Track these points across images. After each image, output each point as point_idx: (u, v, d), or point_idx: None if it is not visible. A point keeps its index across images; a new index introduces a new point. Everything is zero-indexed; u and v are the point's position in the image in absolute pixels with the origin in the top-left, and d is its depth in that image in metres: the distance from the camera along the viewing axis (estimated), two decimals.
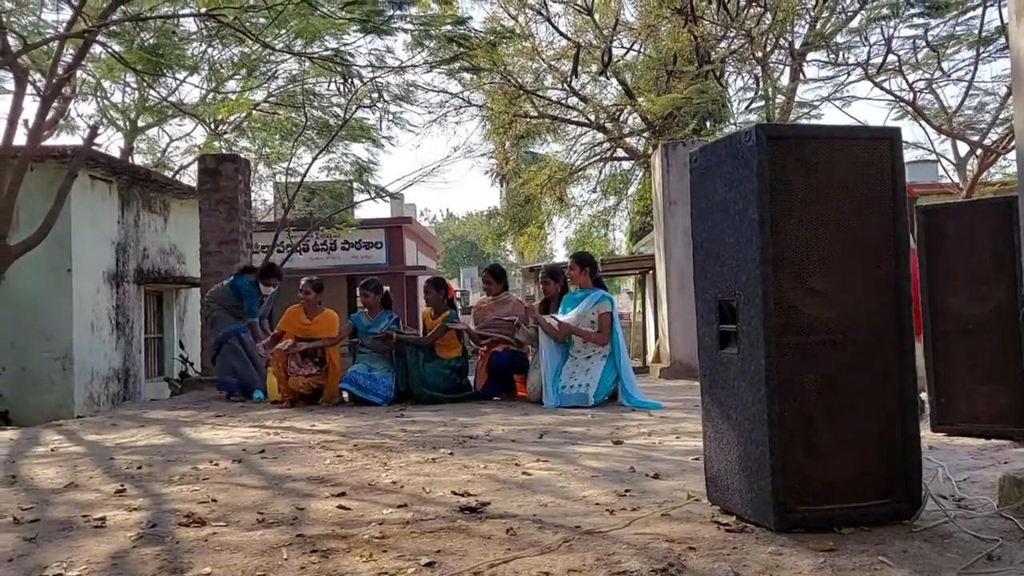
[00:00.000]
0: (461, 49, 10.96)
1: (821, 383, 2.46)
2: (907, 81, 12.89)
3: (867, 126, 2.60)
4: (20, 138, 9.37)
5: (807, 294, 2.46)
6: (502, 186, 23.60)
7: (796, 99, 15.18)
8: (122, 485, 3.54)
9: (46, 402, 11.32)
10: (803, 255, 2.46)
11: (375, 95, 13.50)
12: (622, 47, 17.44)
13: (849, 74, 14.12)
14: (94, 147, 11.01)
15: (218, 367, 8.02)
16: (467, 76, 15.43)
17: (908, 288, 2.55)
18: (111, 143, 25.60)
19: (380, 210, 23.89)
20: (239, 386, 7.83)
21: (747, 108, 16.18)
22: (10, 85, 10.42)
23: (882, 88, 12.99)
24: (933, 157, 15.19)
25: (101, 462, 4.23)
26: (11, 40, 9.03)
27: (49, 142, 11.71)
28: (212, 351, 8.16)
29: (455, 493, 3.18)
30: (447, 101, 17.26)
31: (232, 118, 15.74)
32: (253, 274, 8.22)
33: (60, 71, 9.47)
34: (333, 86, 13.32)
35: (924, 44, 13.08)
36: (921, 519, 2.51)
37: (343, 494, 3.22)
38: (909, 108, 13.13)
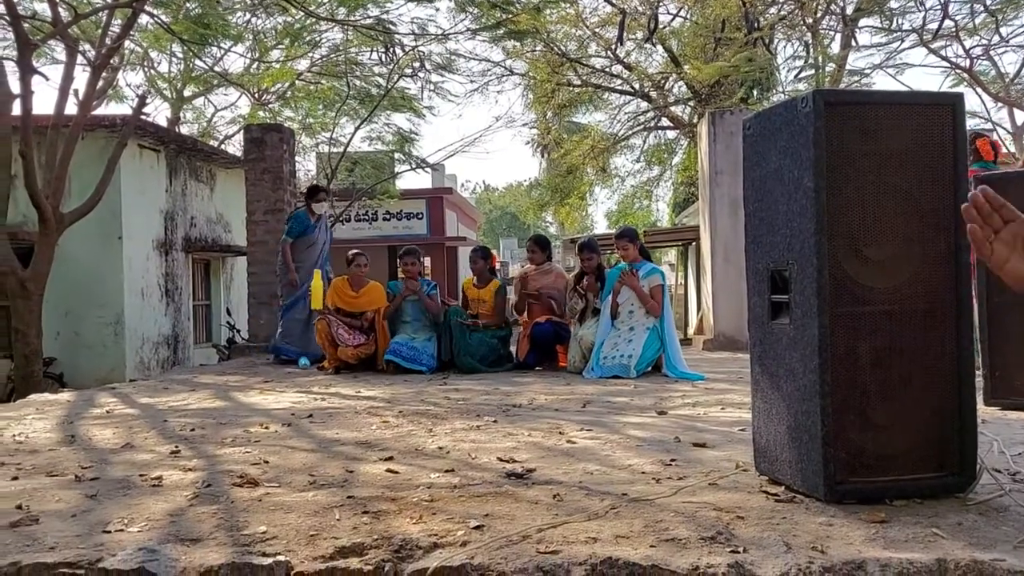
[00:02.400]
0: (504, 15, 10.86)
1: (875, 354, 2.42)
2: (964, 47, 12.51)
3: (928, 91, 2.53)
4: (70, 108, 9.55)
5: (862, 264, 2.42)
6: (543, 156, 23.45)
7: (847, 67, 14.80)
8: (176, 446, 3.63)
9: (99, 366, 11.64)
10: (859, 224, 2.41)
11: (417, 64, 13.47)
12: (668, 13, 17.09)
13: (903, 40, 13.74)
14: (142, 116, 11.18)
15: (281, 331, 8.20)
16: (510, 44, 15.30)
17: (967, 258, 2.49)
18: (158, 113, 25.96)
19: (421, 181, 24.05)
20: (295, 352, 8.00)
21: (796, 76, 15.84)
22: (61, 55, 10.62)
23: (938, 55, 12.63)
24: (989, 126, 14.76)
25: (155, 424, 4.35)
26: (62, 11, 9.16)
27: (98, 112, 11.91)
28: (281, 314, 8.32)
29: (501, 459, 3.21)
30: (489, 70, 17.14)
31: (276, 88, 15.85)
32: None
33: (108, 41, 9.61)
34: (375, 55, 13.32)
35: (982, 9, 12.65)
36: (975, 492, 2.47)
37: (391, 458, 3.27)
38: (965, 75, 12.74)
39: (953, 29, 12.39)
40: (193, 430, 4.09)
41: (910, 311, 2.43)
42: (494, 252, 9.18)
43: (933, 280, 2.45)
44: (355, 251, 7.57)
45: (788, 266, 2.51)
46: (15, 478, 3.05)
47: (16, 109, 8.68)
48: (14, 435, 4.07)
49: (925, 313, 2.44)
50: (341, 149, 15.15)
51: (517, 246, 38.76)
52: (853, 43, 14.61)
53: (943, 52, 12.75)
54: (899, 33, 13.78)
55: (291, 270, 8.10)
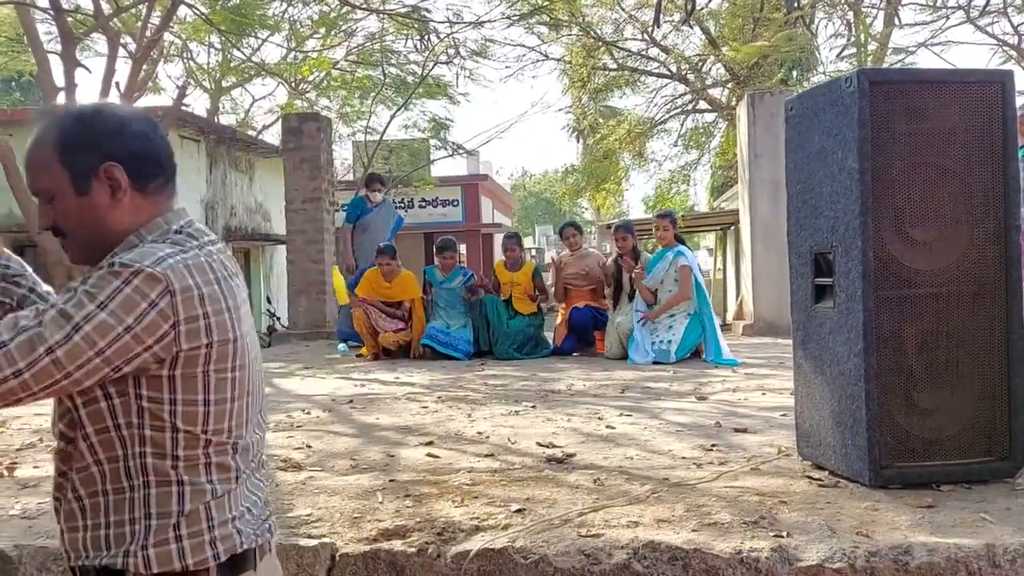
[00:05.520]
0: (540, 1, 10.80)
1: (922, 337, 2.38)
2: (1012, 24, 12.15)
3: (976, 69, 2.48)
4: (113, 100, 9.72)
5: (908, 246, 2.38)
6: (579, 141, 23.30)
7: (890, 45, 14.47)
8: None
9: None
10: (905, 205, 2.37)
11: (452, 51, 13.46)
12: None
13: (948, 17, 13.39)
14: (183, 107, 11.33)
15: (341, 317, 8.47)
16: (545, 29, 15.23)
17: (1017, 240, 2.44)
18: (196, 103, 26.32)
19: (456, 167, 24.02)
20: (351, 335, 8.16)
21: (838, 56, 15.53)
22: (103, 48, 10.79)
23: (985, 32, 12.29)
24: None
25: None
26: (103, 3, 9.30)
27: (139, 103, 12.10)
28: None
29: (540, 444, 3.22)
30: (524, 55, 17.04)
31: (312, 77, 15.96)
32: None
33: (148, 33, 9.74)
34: (410, 43, 13.34)
35: None
36: None
37: (431, 443, 3.30)
38: (1013, 53, 12.39)
39: (1001, 5, 12.04)
40: None
41: (957, 293, 2.39)
42: (525, 239, 9.37)
43: (981, 262, 2.40)
44: (383, 244, 7.63)
45: (832, 248, 2.47)
46: None
47: (61, 102, 8.86)
48: None
49: (973, 295, 2.40)
50: (377, 137, 15.24)
51: (552, 232, 38.68)
52: (896, 21, 14.27)
53: (990, 29, 12.40)
54: (944, 10, 13.43)
55: (347, 255, 8.26)
